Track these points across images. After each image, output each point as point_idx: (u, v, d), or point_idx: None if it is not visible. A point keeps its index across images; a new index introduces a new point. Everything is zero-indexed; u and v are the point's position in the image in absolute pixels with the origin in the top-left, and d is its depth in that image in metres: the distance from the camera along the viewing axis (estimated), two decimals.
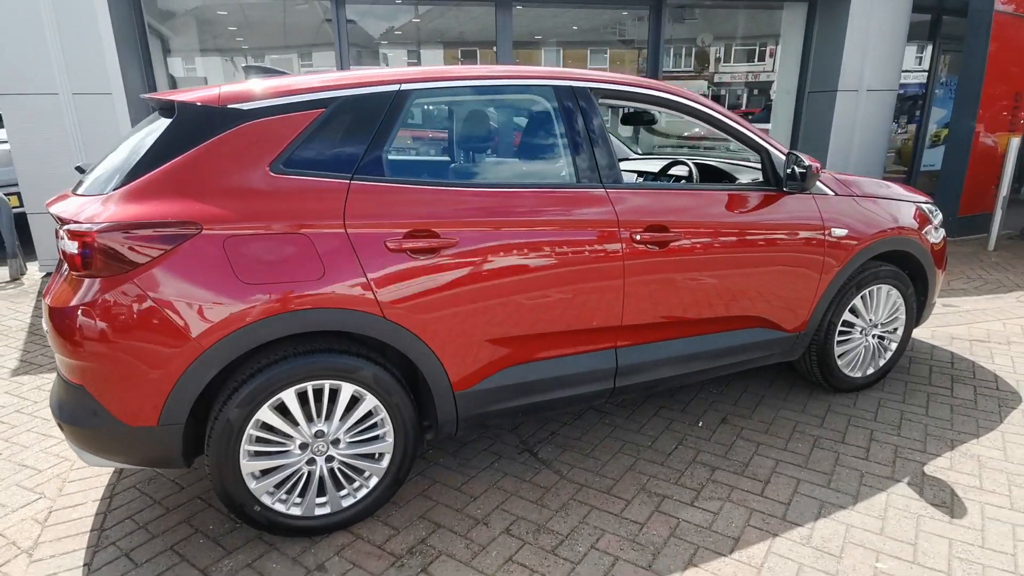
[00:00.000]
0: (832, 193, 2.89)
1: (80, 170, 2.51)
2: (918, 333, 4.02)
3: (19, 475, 2.60)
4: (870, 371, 3.22)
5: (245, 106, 1.98)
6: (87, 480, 2.55)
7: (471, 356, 2.23)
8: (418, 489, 2.45)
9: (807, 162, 2.60)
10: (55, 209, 1.98)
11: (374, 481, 2.21)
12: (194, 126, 1.93)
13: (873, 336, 3.17)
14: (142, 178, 1.87)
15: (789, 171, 2.65)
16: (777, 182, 2.73)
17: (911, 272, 3.23)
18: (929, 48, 8.35)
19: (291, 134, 2.00)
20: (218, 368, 1.89)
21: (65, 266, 1.94)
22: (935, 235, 3.24)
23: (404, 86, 2.17)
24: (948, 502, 2.31)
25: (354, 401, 2.10)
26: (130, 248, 1.79)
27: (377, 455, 2.19)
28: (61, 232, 1.89)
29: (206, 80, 8.18)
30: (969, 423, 2.89)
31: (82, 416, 1.90)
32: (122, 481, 2.54)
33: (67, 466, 2.65)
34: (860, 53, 6.32)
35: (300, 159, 1.99)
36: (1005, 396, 3.15)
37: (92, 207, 1.86)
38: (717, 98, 9.83)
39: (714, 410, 3.06)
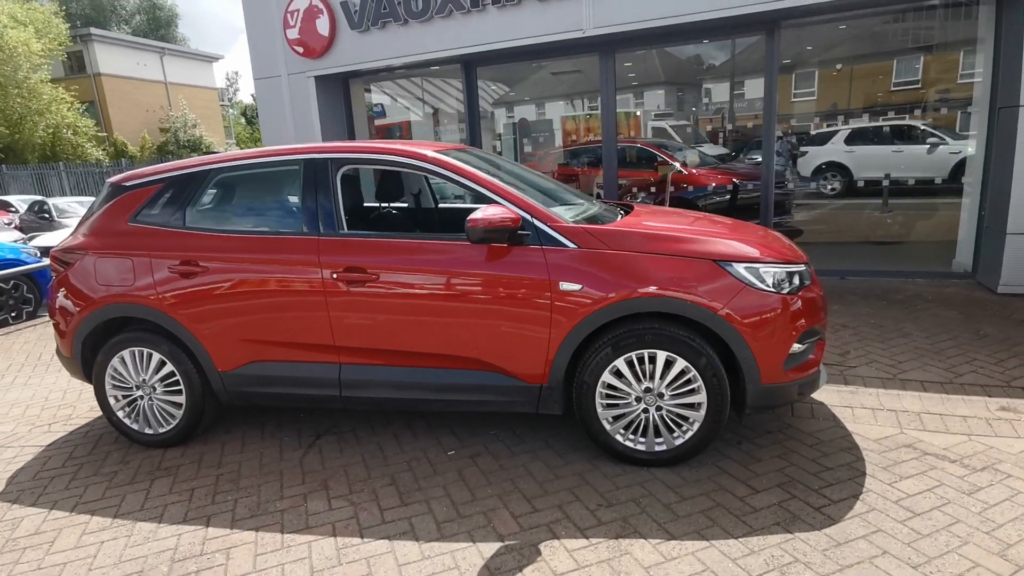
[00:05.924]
0: (572, 246, 2.79)
1: None
2: (940, 439, 3.05)
3: None
4: (661, 448, 2.84)
5: (130, 183, 3.43)
6: None
7: (226, 348, 3.21)
8: (228, 439, 3.51)
9: (477, 215, 2.69)
10: None
11: (175, 421, 3.38)
12: (109, 194, 3.47)
13: (660, 409, 2.81)
14: (80, 225, 3.49)
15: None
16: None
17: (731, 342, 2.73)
18: None
19: (143, 199, 3.36)
20: (88, 331, 3.36)
21: None
22: (748, 300, 2.66)
23: (211, 166, 3.32)
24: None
25: (162, 364, 3.32)
26: (60, 262, 3.43)
27: (178, 404, 3.36)
28: None
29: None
30: (688, 523, 2.41)
31: (57, 349, 3.62)
32: None
33: None
34: None
35: (143, 214, 3.34)
36: (842, 527, 2.40)
37: (64, 241, 3.55)
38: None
39: (482, 446, 3.21)
